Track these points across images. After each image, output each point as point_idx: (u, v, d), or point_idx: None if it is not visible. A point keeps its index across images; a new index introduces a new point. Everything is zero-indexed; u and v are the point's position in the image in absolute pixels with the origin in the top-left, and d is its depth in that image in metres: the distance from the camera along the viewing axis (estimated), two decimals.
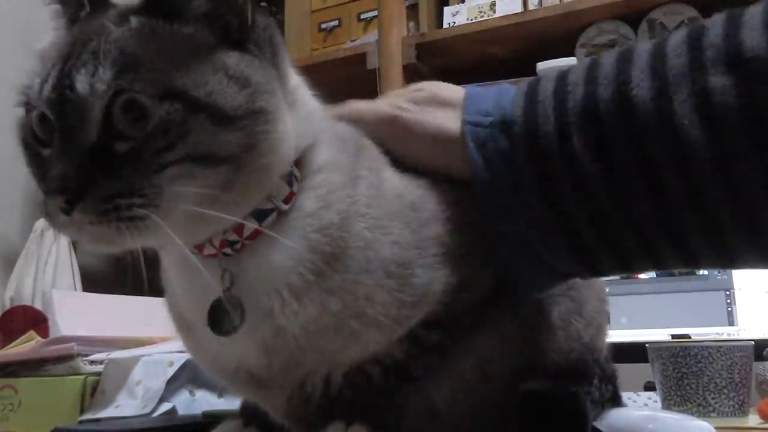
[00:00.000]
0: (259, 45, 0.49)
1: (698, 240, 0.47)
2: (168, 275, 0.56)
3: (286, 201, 0.50)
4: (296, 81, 0.54)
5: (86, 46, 0.45)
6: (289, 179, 0.50)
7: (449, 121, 0.54)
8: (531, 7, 1.90)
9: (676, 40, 0.48)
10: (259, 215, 0.49)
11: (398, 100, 0.57)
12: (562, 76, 0.51)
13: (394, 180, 0.53)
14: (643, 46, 0.49)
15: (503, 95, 0.52)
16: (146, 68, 0.44)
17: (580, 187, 0.48)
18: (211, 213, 0.45)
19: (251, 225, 0.49)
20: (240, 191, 0.47)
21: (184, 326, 0.56)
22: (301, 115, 0.52)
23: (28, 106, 0.47)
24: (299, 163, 0.51)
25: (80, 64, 0.44)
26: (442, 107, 0.55)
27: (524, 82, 0.53)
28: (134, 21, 0.47)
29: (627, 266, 0.52)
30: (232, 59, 0.47)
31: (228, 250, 0.50)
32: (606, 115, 0.46)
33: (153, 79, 0.43)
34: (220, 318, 0.49)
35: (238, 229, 0.49)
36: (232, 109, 0.45)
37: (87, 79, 0.44)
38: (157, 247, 0.52)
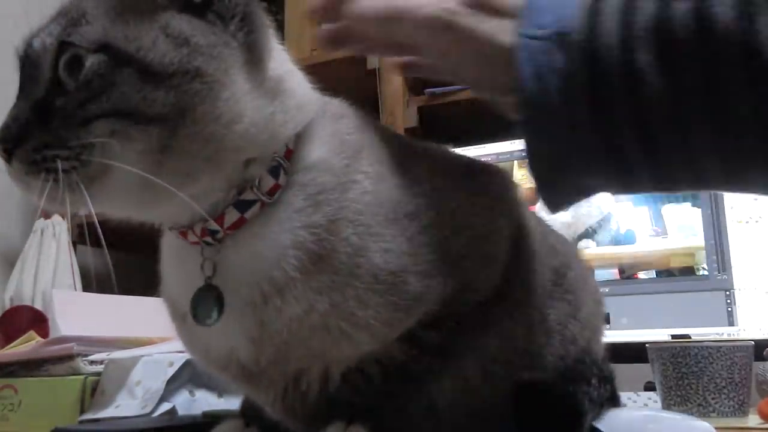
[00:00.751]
0: (222, 16, 0.48)
1: (759, 171, 0.45)
2: (163, 261, 0.56)
3: (271, 193, 0.50)
4: (285, 71, 0.53)
5: (61, 9, 0.48)
6: (275, 170, 0.50)
7: (502, 31, 0.50)
8: None
9: None
10: (242, 205, 0.49)
11: (447, 1, 0.52)
12: None
13: (392, 187, 0.52)
14: None
15: (566, 5, 0.48)
16: (87, 22, 0.45)
17: (638, 104, 0.45)
18: (153, 179, 0.44)
19: (233, 214, 0.49)
20: (185, 161, 0.46)
21: (177, 314, 0.55)
22: (289, 105, 0.51)
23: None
24: (289, 156, 0.51)
25: (49, 23, 0.47)
26: (496, 14, 0.51)
27: None
28: None
29: (666, 188, 0.50)
30: (176, 20, 0.47)
31: (209, 239, 0.50)
32: (680, 30, 0.43)
33: (90, 32, 0.45)
34: (201, 308, 0.50)
35: (219, 218, 0.49)
36: (161, 65, 0.44)
37: (43, 35, 0.46)
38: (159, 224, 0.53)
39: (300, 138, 0.52)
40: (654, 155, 0.47)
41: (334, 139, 0.53)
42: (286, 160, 0.51)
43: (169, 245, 0.54)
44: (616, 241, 1.41)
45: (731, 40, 0.42)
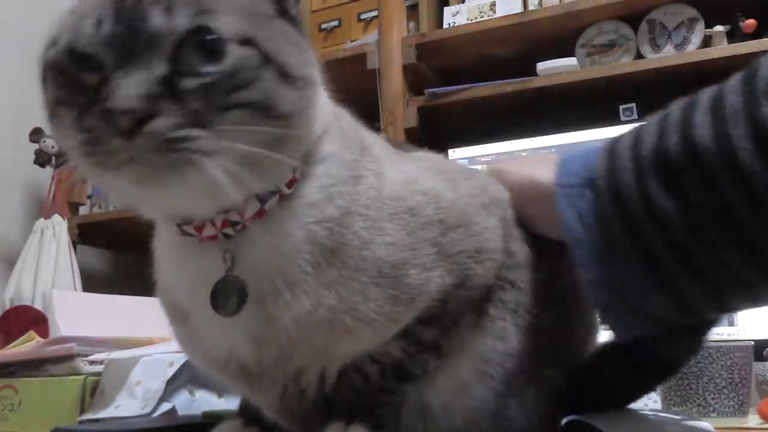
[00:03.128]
0: (301, 26, 0.51)
1: None
2: (161, 263, 0.55)
3: (289, 185, 0.50)
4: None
5: None
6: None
7: (543, 173, 0.60)
8: (531, 7, 1.90)
9: (734, 79, 0.51)
10: (262, 197, 0.49)
11: (504, 160, 0.66)
12: (637, 130, 0.55)
13: (394, 183, 0.54)
14: (707, 91, 0.53)
15: (589, 156, 0.58)
16: (224, 13, 0.44)
17: (659, 225, 0.51)
18: (275, 155, 0.44)
19: (254, 205, 0.49)
20: (283, 154, 0.46)
21: (178, 316, 0.55)
22: (319, 105, 0.52)
23: (70, 46, 0.44)
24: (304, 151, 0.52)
25: (149, 3, 0.43)
26: (539, 162, 0.63)
27: (608, 141, 0.58)
28: None
29: (721, 302, 0.53)
30: (289, 29, 0.49)
31: (230, 231, 0.49)
32: (675, 157, 0.51)
33: (231, 24, 0.44)
34: (223, 298, 0.49)
35: (241, 209, 0.49)
36: (294, 68, 0.47)
37: (162, 15, 0.43)
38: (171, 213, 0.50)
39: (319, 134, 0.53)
40: (694, 271, 0.51)
41: (342, 134, 0.54)
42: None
43: (169, 246, 0.54)
44: None
45: (714, 156, 0.49)
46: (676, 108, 0.54)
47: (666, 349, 0.63)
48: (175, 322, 0.56)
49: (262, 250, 0.49)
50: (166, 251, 0.54)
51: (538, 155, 0.67)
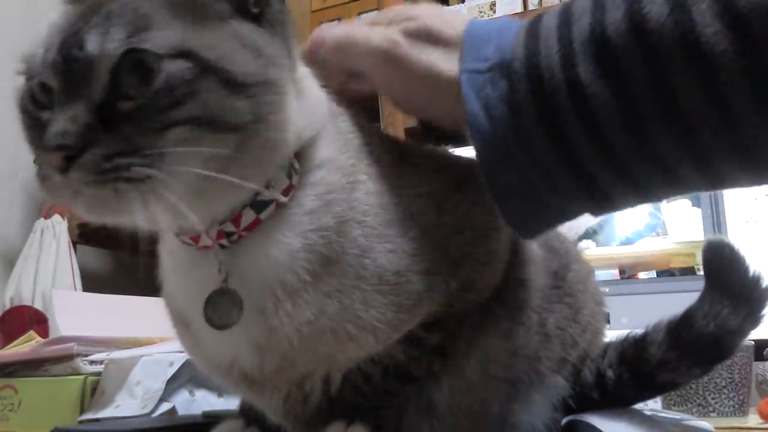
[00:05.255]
0: (273, 24, 0.49)
1: (725, 161, 0.44)
2: (165, 268, 0.55)
3: (285, 194, 0.49)
4: (304, 71, 0.53)
5: (97, 11, 0.44)
6: (289, 171, 0.50)
7: (444, 62, 0.51)
8: (531, 7, 1.90)
9: None
10: (258, 206, 0.49)
11: (391, 31, 0.53)
12: (566, 8, 0.47)
13: (393, 188, 0.52)
14: None
15: (504, 35, 0.49)
16: (158, 28, 0.43)
17: (589, 118, 0.44)
18: (222, 176, 0.43)
19: (249, 215, 0.48)
20: (246, 167, 0.45)
21: (180, 321, 0.55)
22: (307, 106, 0.51)
23: (29, 75, 0.46)
24: (299, 156, 0.51)
25: (90, 27, 0.43)
26: (437, 44, 0.52)
27: (527, 20, 0.50)
28: None
29: (642, 195, 0.49)
30: (246, 29, 0.46)
31: (224, 242, 0.49)
32: (616, 37, 0.43)
33: (164, 38, 0.43)
34: (217, 311, 0.49)
35: (236, 219, 0.48)
36: (243, 75, 0.44)
37: (98, 39, 0.42)
38: (156, 229, 0.50)
39: (309, 138, 0.52)
40: (617, 166, 0.45)
41: (338, 137, 0.53)
42: (295, 159, 0.50)
43: (171, 252, 0.53)
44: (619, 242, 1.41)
45: (667, 35, 0.41)
46: None
47: (674, 376, 0.64)
48: (179, 327, 0.55)
49: (259, 260, 0.49)
50: (170, 257, 0.54)
51: (438, 22, 0.53)
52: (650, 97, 0.42)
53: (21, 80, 0.47)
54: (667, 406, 0.95)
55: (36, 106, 0.45)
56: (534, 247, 0.61)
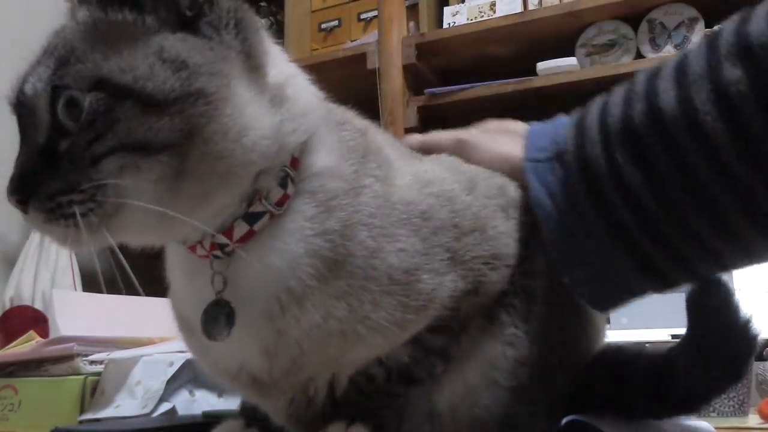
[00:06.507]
0: (216, 26, 0.47)
1: (743, 226, 0.50)
2: (171, 273, 0.55)
3: (280, 203, 0.49)
4: (287, 75, 0.52)
5: (44, 48, 0.46)
6: (283, 180, 0.49)
7: (512, 148, 0.60)
8: (531, 7, 1.90)
9: (697, 45, 0.52)
10: (250, 218, 0.48)
11: (470, 130, 0.65)
12: (605, 102, 0.55)
13: (404, 188, 0.52)
14: (672, 59, 0.53)
15: (558, 130, 0.58)
16: (78, 60, 0.44)
17: (626, 196, 0.51)
18: (168, 212, 0.43)
19: (242, 227, 0.48)
20: (199, 183, 0.45)
21: (186, 327, 0.55)
22: (295, 112, 0.50)
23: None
24: (296, 164, 0.50)
25: (32, 67, 0.45)
26: (507, 135, 0.62)
27: (576, 113, 0.58)
28: (80, 14, 0.46)
29: (691, 270, 0.54)
30: (170, 42, 0.45)
31: (218, 253, 0.49)
32: (640, 126, 0.51)
33: (82, 71, 0.43)
34: (209, 323, 0.49)
35: (228, 231, 0.48)
36: (163, 93, 0.43)
37: (33, 79, 0.44)
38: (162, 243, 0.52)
39: (305, 146, 0.51)
40: (662, 241, 0.52)
41: (340, 146, 0.52)
42: (292, 169, 0.50)
43: (177, 255, 0.53)
44: None
45: (678, 123, 0.49)
46: (641, 77, 0.54)
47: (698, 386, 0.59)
48: (185, 332, 0.56)
49: (258, 269, 0.48)
50: (175, 263, 0.54)
51: (504, 125, 0.66)
52: (673, 174, 0.50)
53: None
54: None
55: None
56: (542, 258, 0.61)
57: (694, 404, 0.60)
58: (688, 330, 0.60)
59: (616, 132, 0.52)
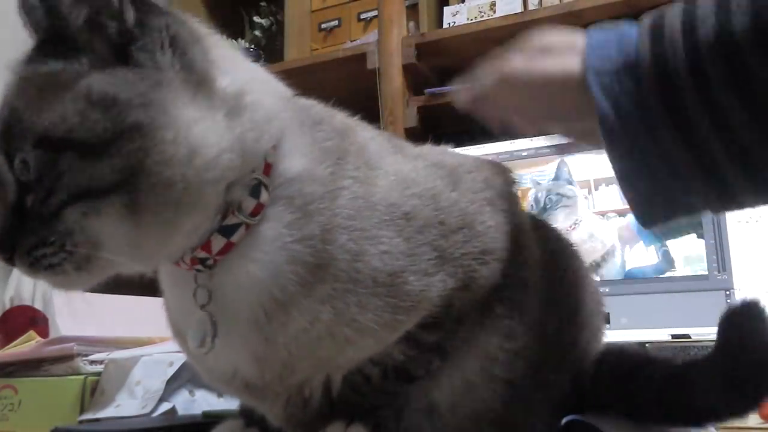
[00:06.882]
0: (150, 50, 0.46)
1: None
2: (162, 284, 0.56)
3: (255, 213, 0.48)
4: (243, 82, 0.50)
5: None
6: (255, 189, 0.49)
7: (565, 64, 0.54)
8: (531, 7, 1.90)
9: None
10: (226, 231, 0.48)
11: (511, 57, 0.59)
12: (689, 10, 0.49)
13: (385, 189, 0.52)
14: None
15: (626, 38, 0.52)
16: (19, 121, 0.44)
17: (718, 119, 0.46)
18: (108, 255, 0.45)
19: (219, 240, 0.48)
20: (159, 212, 0.45)
21: (178, 333, 0.56)
22: (257, 119, 0.49)
23: None
24: (269, 171, 0.49)
25: None
26: (554, 51, 0.56)
27: (646, 19, 0.53)
28: (19, 71, 0.47)
29: (764, 191, 0.50)
30: (98, 82, 0.44)
31: (200, 267, 0.49)
32: (744, 43, 0.45)
33: (23, 132, 0.44)
34: (197, 336, 0.50)
35: (206, 245, 0.48)
36: (97, 136, 0.43)
37: None
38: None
39: (277, 151, 0.50)
40: (744, 165, 0.47)
41: (313, 148, 0.52)
42: (265, 176, 0.49)
43: (165, 267, 0.54)
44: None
45: None
46: None
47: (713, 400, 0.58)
48: (179, 339, 0.57)
49: (241, 280, 0.49)
50: (164, 273, 0.55)
51: (546, 39, 0.58)
52: None
53: None
54: None
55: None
56: (534, 249, 0.61)
57: (706, 420, 0.60)
58: (715, 348, 0.58)
59: (708, 46, 0.46)
